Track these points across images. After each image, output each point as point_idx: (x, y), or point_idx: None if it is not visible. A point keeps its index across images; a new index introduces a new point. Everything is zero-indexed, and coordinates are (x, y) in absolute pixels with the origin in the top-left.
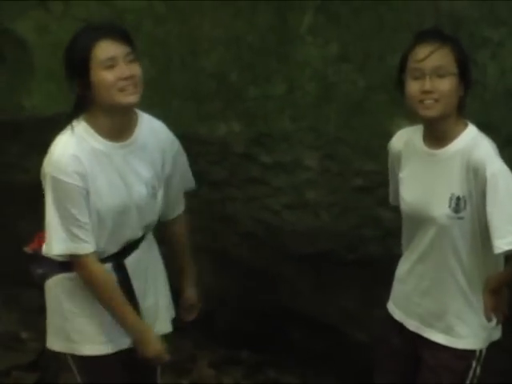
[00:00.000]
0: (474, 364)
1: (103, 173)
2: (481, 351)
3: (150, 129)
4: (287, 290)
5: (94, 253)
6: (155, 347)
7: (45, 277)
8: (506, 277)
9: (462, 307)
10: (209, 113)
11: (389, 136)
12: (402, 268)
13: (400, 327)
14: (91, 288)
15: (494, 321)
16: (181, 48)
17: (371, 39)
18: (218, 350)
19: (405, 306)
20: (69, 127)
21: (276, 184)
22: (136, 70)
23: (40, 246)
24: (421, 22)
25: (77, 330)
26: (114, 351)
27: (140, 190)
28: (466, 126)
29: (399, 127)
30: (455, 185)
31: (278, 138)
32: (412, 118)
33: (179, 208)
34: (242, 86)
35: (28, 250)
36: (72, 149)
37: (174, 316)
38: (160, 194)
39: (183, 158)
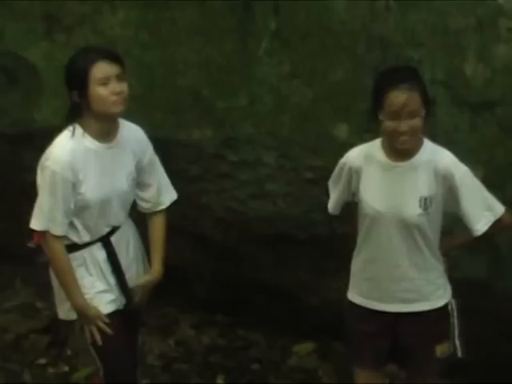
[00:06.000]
0: (454, 313)
1: (93, 168)
2: (453, 302)
3: (129, 132)
4: (252, 264)
5: (61, 237)
6: (95, 313)
7: (46, 263)
8: (453, 243)
9: (433, 276)
10: (186, 122)
11: (332, 138)
12: (369, 265)
13: (373, 313)
14: (50, 261)
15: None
16: (162, 69)
17: (316, 59)
18: (197, 314)
19: (380, 295)
20: (66, 130)
21: (241, 178)
22: (124, 87)
23: (38, 241)
24: (355, 44)
25: None
26: (112, 310)
27: (122, 182)
28: (422, 140)
29: (340, 131)
30: (422, 188)
31: (243, 141)
32: (351, 122)
33: (161, 205)
34: (213, 100)
35: (31, 244)
36: (70, 148)
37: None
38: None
39: (157, 160)
